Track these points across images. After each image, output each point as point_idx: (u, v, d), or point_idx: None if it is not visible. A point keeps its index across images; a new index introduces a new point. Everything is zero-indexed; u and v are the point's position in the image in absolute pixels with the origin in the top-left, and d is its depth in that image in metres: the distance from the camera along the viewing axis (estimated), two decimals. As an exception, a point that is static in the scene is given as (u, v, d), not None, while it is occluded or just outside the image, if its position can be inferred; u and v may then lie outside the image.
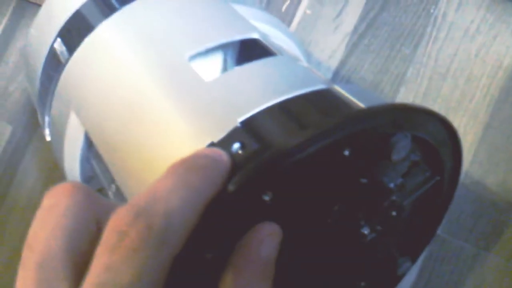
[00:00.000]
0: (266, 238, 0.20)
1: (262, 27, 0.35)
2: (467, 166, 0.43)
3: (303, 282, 0.27)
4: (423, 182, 0.30)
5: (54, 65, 0.35)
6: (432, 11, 0.47)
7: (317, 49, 0.50)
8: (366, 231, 0.28)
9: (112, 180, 0.32)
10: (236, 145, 0.23)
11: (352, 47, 0.49)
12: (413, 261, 0.35)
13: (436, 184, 0.30)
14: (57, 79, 0.34)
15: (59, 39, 0.36)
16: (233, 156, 0.22)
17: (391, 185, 0.28)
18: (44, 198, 0.20)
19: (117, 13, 0.33)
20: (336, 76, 0.49)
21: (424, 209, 0.32)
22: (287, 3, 0.52)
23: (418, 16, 0.48)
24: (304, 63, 0.33)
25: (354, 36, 0.49)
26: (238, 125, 0.24)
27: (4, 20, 0.62)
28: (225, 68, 0.36)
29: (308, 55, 0.50)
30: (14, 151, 0.58)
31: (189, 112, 0.26)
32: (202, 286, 0.21)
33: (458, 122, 0.44)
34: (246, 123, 0.24)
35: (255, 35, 0.32)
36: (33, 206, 0.55)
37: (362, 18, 0.49)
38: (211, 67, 0.35)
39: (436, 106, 0.45)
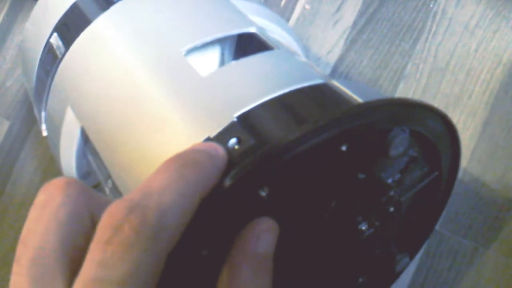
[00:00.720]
0: (263, 234, 0.20)
1: (260, 21, 0.35)
2: (466, 162, 0.43)
3: (301, 277, 0.27)
4: (421, 178, 0.30)
5: (50, 59, 0.35)
6: (431, 6, 0.47)
7: (316, 44, 0.50)
8: (364, 226, 0.28)
9: (109, 176, 0.32)
10: (232, 140, 0.23)
11: (351, 42, 0.49)
12: (411, 257, 0.35)
13: (434, 179, 0.30)
14: (54, 74, 0.34)
15: (55, 34, 0.35)
16: (229, 151, 0.22)
17: (389, 180, 0.28)
18: (39, 192, 0.20)
19: (114, 7, 0.33)
20: (335, 71, 0.49)
21: (422, 205, 0.32)
22: (286, -2, 0.51)
23: (418, 11, 0.47)
24: (302, 57, 0.33)
25: (353, 31, 0.49)
26: (235, 120, 0.24)
27: (1, 15, 0.61)
28: (222, 62, 0.36)
29: (307, 50, 0.49)
30: (11, 147, 0.57)
31: (185, 107, 0.26)
32: (198, 283, 0.21)
33: (457, 118, 0.44)
34: (243, 118, 0.24)
35: (252, 29, 0.32)
36: (30, 201, 0.55)
37: (361, 13, 0.49)
38: (209, 62, 0.35)
39: (435, 102, 0.45)
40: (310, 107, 0.25)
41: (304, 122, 0.23)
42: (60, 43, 0.35)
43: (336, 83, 0.27)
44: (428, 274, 0.42)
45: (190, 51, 0.30)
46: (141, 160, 0.27)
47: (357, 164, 0.25)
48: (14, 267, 0.19)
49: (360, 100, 0.26)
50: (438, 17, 0.47)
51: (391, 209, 0.28)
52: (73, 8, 0.36)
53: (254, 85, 0.27)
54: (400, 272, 0.35)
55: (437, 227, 0.36)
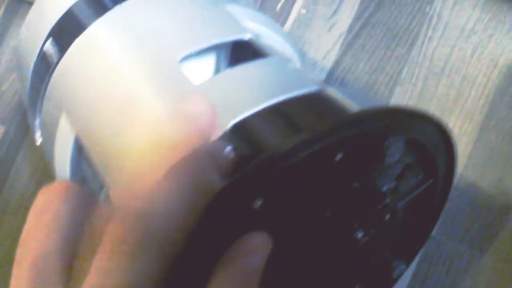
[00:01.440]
0: (254, 250, 0.20)
1: (256, 27, 0.35)
2: (462, 167, 0.43)
3: (297, 285, 0.27)
4: (417, 185, 0.30)
5: (45, 65, 0.35)
6: (427, 10, 0.47)
7: (311, 48, 0.50)
8: (359, 234, 0.28)
9: (102, 185, 0.32)
10: (227, 149, 0.23)
11: (347, 47, 0.49)
12: (408, 263, 0.35)
13: (430, 186, 0.30)
14: (48, 81, 0.34)
15: (50, 39, 0.35)
16: (224, 159, 0.22)
17: (385, 188, 0.28)
18: (38, 196, 0.20)
19: (109, 13, 0.33)
20: (331, 76, 0.49)
21: (418, 211, 0.32)
22: (282, 2, 0.51)
23: (413, 16, 0.47)
24: (297, 64, 0.33)
25: (349, 36, 0.49)
26: (229, 128, 0.24)
27: (-3, 19, 0.61)
28: (218, 69, 0.36)
29: (303, 55, 0.49)
30: (6, 152, 0.57)
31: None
32: None
33: (453, 123, 0.44)
34: (238, 127, 0.24)
35: (247, 36, 0.32)
36: (25, 207, 0.55)
37: (357, 18, 0.49)
38: (204, 68, 0.35)
39: (431, 106, 0.45)
40: (305, 115, 0.25)
41: (299, 131, 0.23)
42: (54, 49, 0.34)
43: (331, 91, 0.27)
44: (425, 280, 0.42)
45: (185, 58, 0.29)
46: (135, 168, 0.27)
47: (352, 172, 0.25)
48: (14, 270, 0.19)
49: (355, 107, 0.26)
50: (434, 21, 0.47)
51: (387, 216, 0.28)
52: (68, 14, 0.35)
53: (249, 93, 0.26)
54: (397, 279, 0.35)
55: (433, 233, 0.36)
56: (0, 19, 0.61)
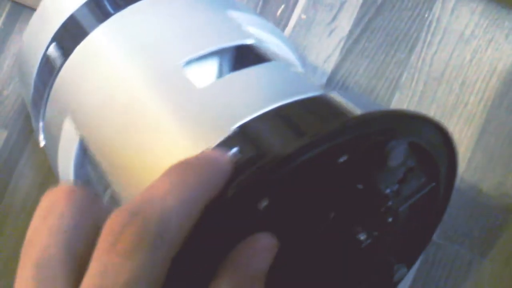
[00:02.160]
0: (261, 251, 0.20)
1: (257, 32, 0.35)
2: (462, 171, 0.43)
3: (299, 286, 0.27)
4: (419, 188, 0.30)
5: (48, 70, 0.35)
6: (426, 15, 0.48)
7: (312, 53, 0.50)
8: (362, 237, 0.28)
9: (107, 186, 0.32)
10: (232, 151, 0.23)
11: (347, 52, 0.49)
12: (409, 267, 0.35)
13: (432, 190, 0.30)
14: (51, 85, 0.34)
15: (53, 44, 0.36)
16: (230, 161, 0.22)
17: (387, 191, 0.28)
18: (42, 198, 0.20)
19: (112, 19, 0.33)
20: (331, 80, 0.49)
21: (419, 215, 0.32)
22: (282, 7, 0.52)
23: (413, 21, 0.48)
24: (299, 68, 0.33)
25: (349, 41, 0.49)
26: (235, 131, 0.24)
27: (-1, 25, 0.61)
28: (220, 74, 0.36)
29: (304, 60, 0.50)
30: (9, 156, 0.57)
31: (184, 118, 0.26)
32: None
33: (453, 127, 0.44)
34: (242, 129, 0.24)
35: (249, 41, 0.32)
36: (28, 211, 0.55)
37: (356, 23, 0.49)
38: (207, 74, 0.35)
39: (431, 111, 0.45)
40: (309, 118, 0.26)
41: (304, 134, 0.23)
42: (58, 53, 0.35)
43: (333, 94, 0.28)
44: (425, 284, 0.42)
45: (188, 63, 0.30)
46: (140, 170, 0.27)
47: (356, 175, 0.26)
48: (19, 271, 0.19)
49: (357, 111, 0.26)
50: (433, 26, 0.47)
51: (390, 219, 0.29)
52: (71, 19, 0.36)
53: (253, 96, 0.27)
54: (398, 282, 0.35)
55: (433, 236, 0.36)
56: (1, 25, 0.61)
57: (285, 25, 0.51)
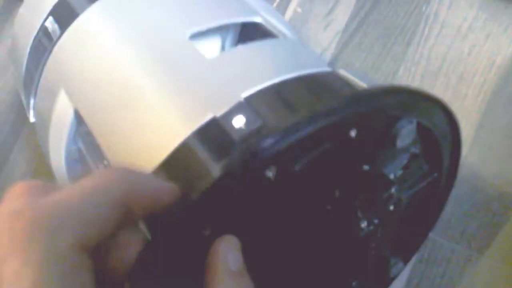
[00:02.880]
0: (228, 252, 0.20)
1: (263, 13, 0.34)
2: (459, 166, 0.42)
3: (296, 279, 0.27)
4: (422, 178, 0.29)
5: (44, 42, 0.35)
6: (424, 9, 0.47)
7: (307, 47, 0.49)
8: (363, 224, 0.27)
9: (102, 159, 0.31)
10: (238, 120, 0.23)
11: (343, 46, 0.48)
12: (405, 261, 0.34)
13: (434, 181, 0.30)
14: (47, 57, 0.34)
15: (51, 17, 0.35)
16: (235, 131, 0.23)
17: (391, 176, 0.27)
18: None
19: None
20: (327, 74, 0.48)
21: (419, 208, 0.31)
22: (278, 0, 0.51)
23: (410, 14, 0.47)
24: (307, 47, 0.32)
25: (345, 34, 0.49)
26: (242, 100, 0.24)
27: (-8, 17, 0.61)
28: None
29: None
30: (1, 148, 0.57)
31: (191, 86, 0.26)
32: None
33: (450, 121, 0.44)
34: (251, 99, 0.24)
35: (258, 19, 0.31)
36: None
37: (353, 16, 0.49)
38: (209, 51, 0.34)
39: (428, 105, 0.45)
40: (322, 91, 0.25)
41: (317, 105, 0.23)
42: (55, 26, 0.34)
43: (343, 71, 0.27)
44: (421, 281, 0.41)
45: (193, 36, 0.29)
46: (142, 138, 0.26)
47: (364, 153, 0.25)
48: None
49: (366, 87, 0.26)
50: (430, 20, 0.46)
51: (391, 207, 0.28)
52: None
53: (263, 67, 0.26)
54: (394, 278, 0.34)
55: (430, 233, 0.35)
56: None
57: (281, 19, 0.51)
